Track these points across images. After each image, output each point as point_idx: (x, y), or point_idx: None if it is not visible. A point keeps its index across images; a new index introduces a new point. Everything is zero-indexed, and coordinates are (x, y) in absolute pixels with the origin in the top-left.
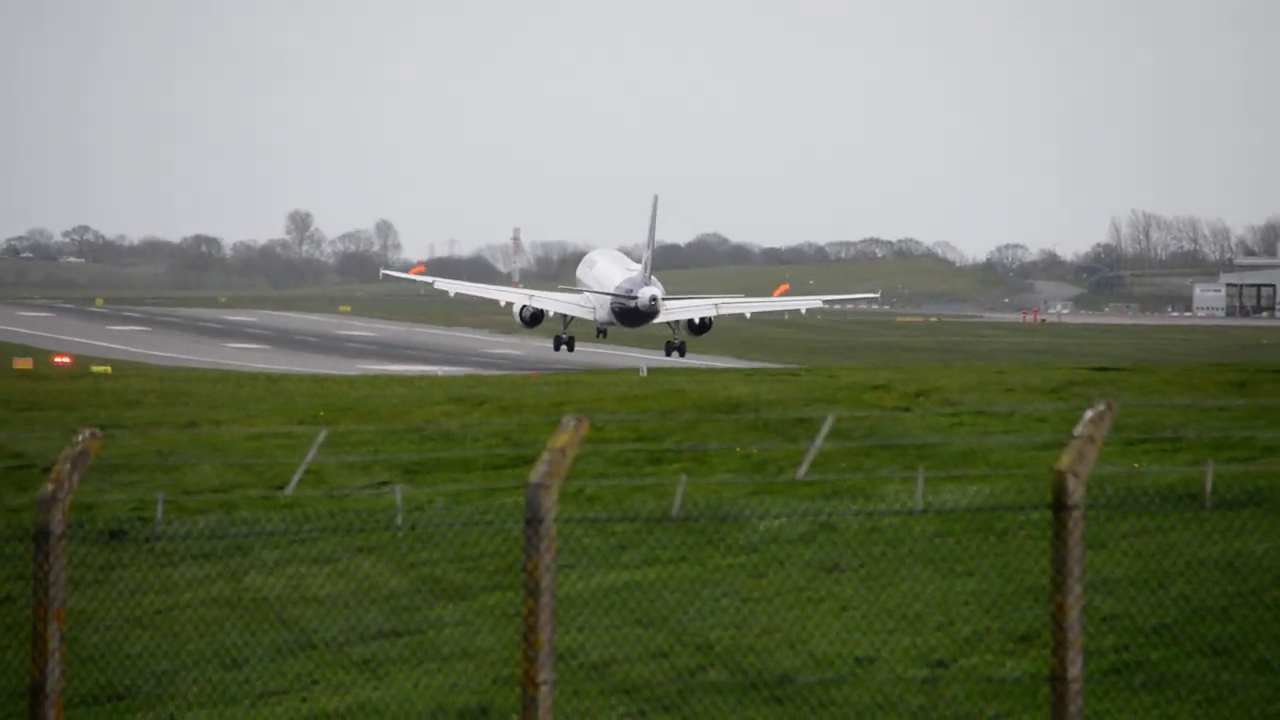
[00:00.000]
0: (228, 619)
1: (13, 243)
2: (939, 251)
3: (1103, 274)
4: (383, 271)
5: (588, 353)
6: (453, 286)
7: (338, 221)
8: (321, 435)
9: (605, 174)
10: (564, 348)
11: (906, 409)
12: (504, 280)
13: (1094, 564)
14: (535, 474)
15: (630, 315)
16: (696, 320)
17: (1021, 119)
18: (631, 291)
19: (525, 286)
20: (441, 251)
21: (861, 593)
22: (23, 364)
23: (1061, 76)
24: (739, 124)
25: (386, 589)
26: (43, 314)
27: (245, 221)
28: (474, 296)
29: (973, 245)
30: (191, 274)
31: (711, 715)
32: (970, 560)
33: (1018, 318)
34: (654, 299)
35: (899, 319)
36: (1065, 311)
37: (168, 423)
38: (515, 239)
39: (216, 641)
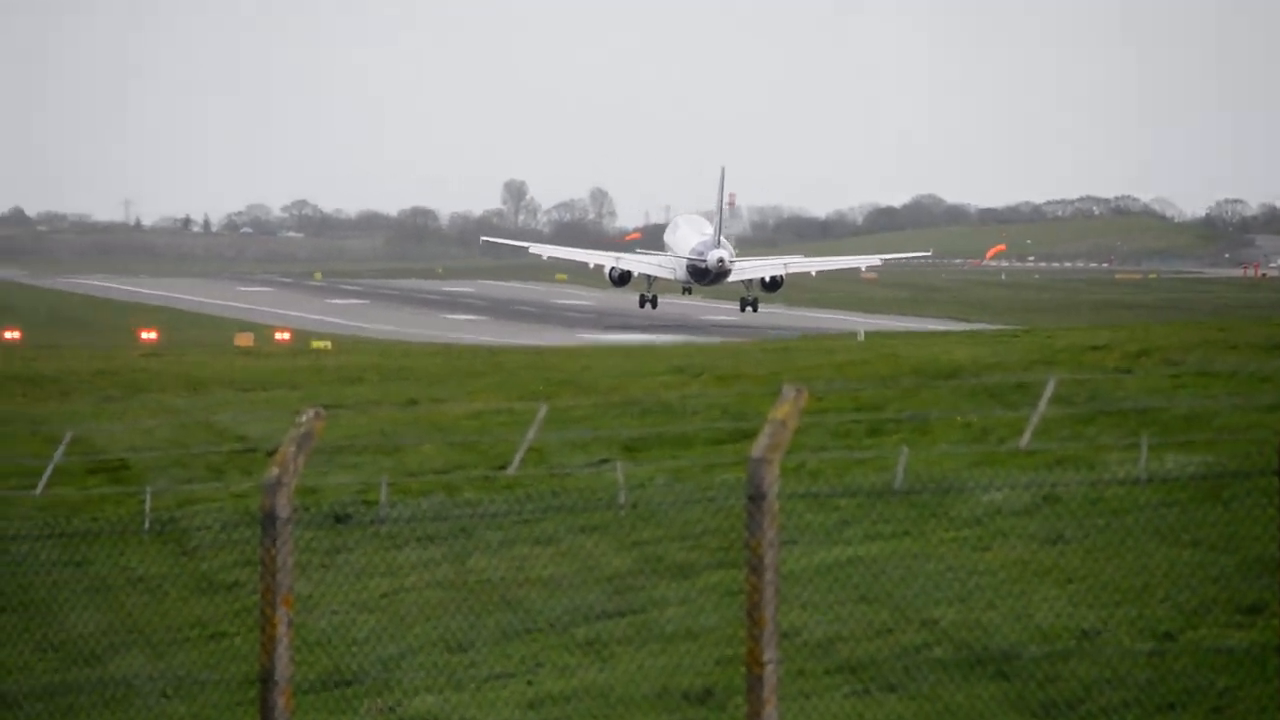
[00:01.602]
0: (452, 602)
1: (233, 218)
2: (1157, 208)
3: None
4: (483, 238)
5: (670, 303)
6: (545, 250)
7: (553, 190)
8: (542, 412)
9: (818, 135)
10: (648, 305)
11: (1128, 370)
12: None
13: None
14: (756, 448)
15: (703, 275)
16: (767, 279)
17: (1238, 69)
18: (703, 254)
19: (740, 252)
20: (657, 218)
21: (1086, 565)
22: (244, 340)
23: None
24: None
25: (609, 569)
26: (262, 289)
27: (461, 193)
28: (566, 260)
29: (1191, 201)
30: (409, 246)
31: (936, 692)
32: (1195, 530)
33: (1239, 273)
34: (721, 260)
35: (1118, 276)
36: None
37: (389, 400)
38: (730, 203)
39: (442, 625)
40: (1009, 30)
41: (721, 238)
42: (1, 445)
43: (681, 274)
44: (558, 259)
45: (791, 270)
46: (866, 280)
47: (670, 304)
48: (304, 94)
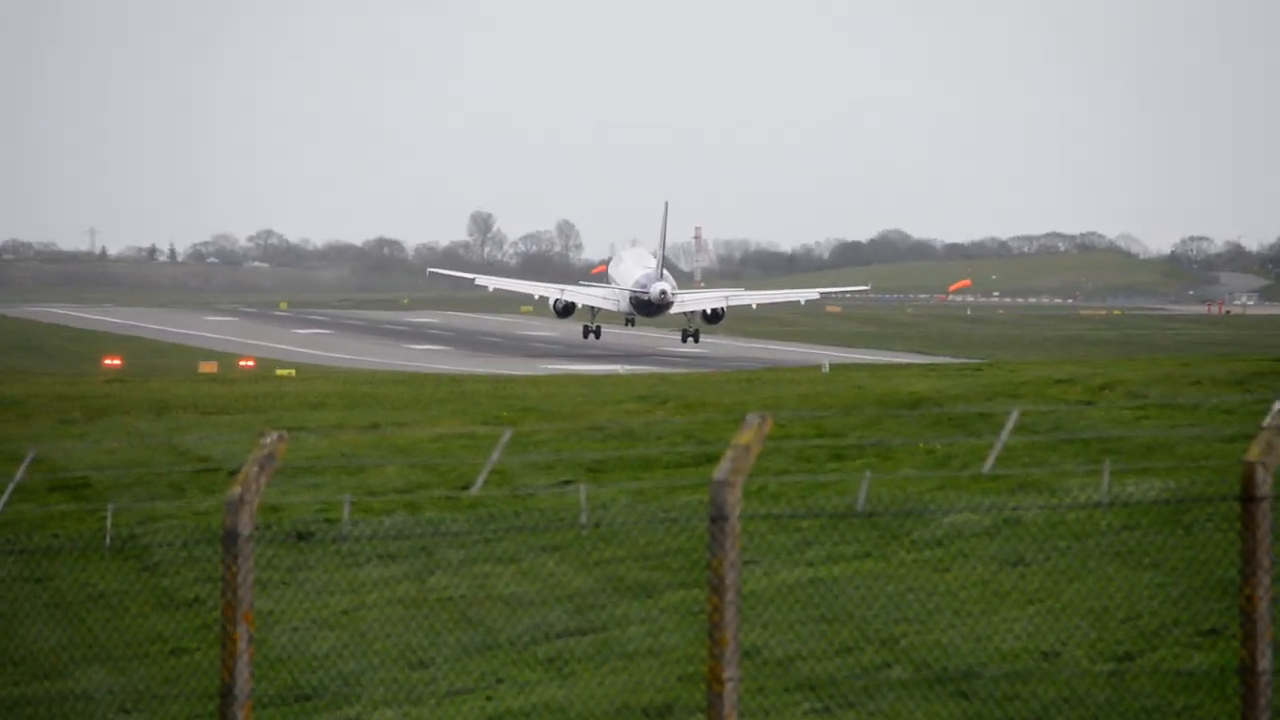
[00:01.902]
0: (413, 619)
1: (199, 248)
2: (1122, 245)
3: None
4: (429, 270)
5: (613, 333)
6: (492, 282)
7: (520, 222)
8: (506, 435)
9: (782, 171)
10: (591, 335)
11: (1091, 403)
12: (686, 278)
13: None
14: (719, 471)
15: (646, 307)
16: (709, 310)
17: (1205, 108)
18: (646, 286)
19: (705, 284)
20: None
21: (1047, 586)
22: (208, 368)
23: (1241, 66)
24: (921, 119)
25: (571, 588)
26: (228, 318)
27: (428, 223)
28: (512, 291)
29: (1156, 238)
30: (375, 276)
31: (896, 711)
32: (1156, 553)
33: (1203, 310)
34: (663, 293)
35: (1083, 312)
36: (1250, 303)
37: (351, 425)
38: (697, 237)
39: (402, 641)
40: (977, 66)
41: (664, 271)
42: None
43: (625, 305)
44: (503, 290)
45: (732, 303)
46: (831, 314)
47: (612, 333)
48: (270, 124)
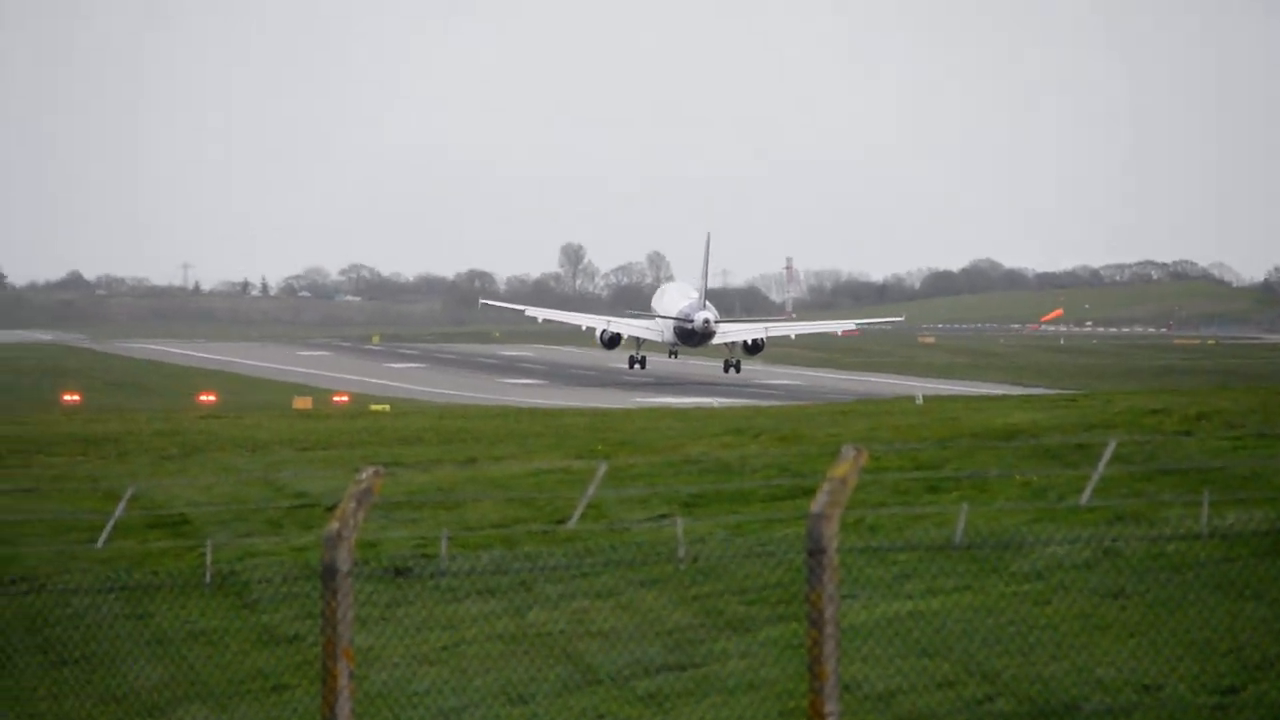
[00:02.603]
0: (513, 654)
1: (290, 281)
2: (1215, 273)
3: None
4: (481, 301)
5: (658, 362)
6: (540, 313)
7: (611, 254)
8: (602, 469)
9: (870, 202)
10: (637, 365)
11: (1188, 433)
12: (777, 309)
13: None
14: (816, 504)
15: (689, 336)
16: (749, 341)
17: None
18: (689, 316)
19: (797, 315)
20: (714, 282)
21: (1148, 618)
22: (303, 403)
23: None
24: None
25: (669, 622)
26: (321, 352)
27: (519, 256)
28: (560, 323)
29: (1249, 265)
30: (466, 310)
31: None
32: (1258, 584)
33: None
34: (707, 322)
35: (1177, 341)
36: None
37: (448, 460)
38: (789, 267)
39: (502, 677)
40: (1066, 95)
41: (706, 301)
42: (62, 501)
43: (669, 336)
44: (552, 321)
45: (772, 334)
46: (924, 344)
47: (656, 362)
48: (361, 158)
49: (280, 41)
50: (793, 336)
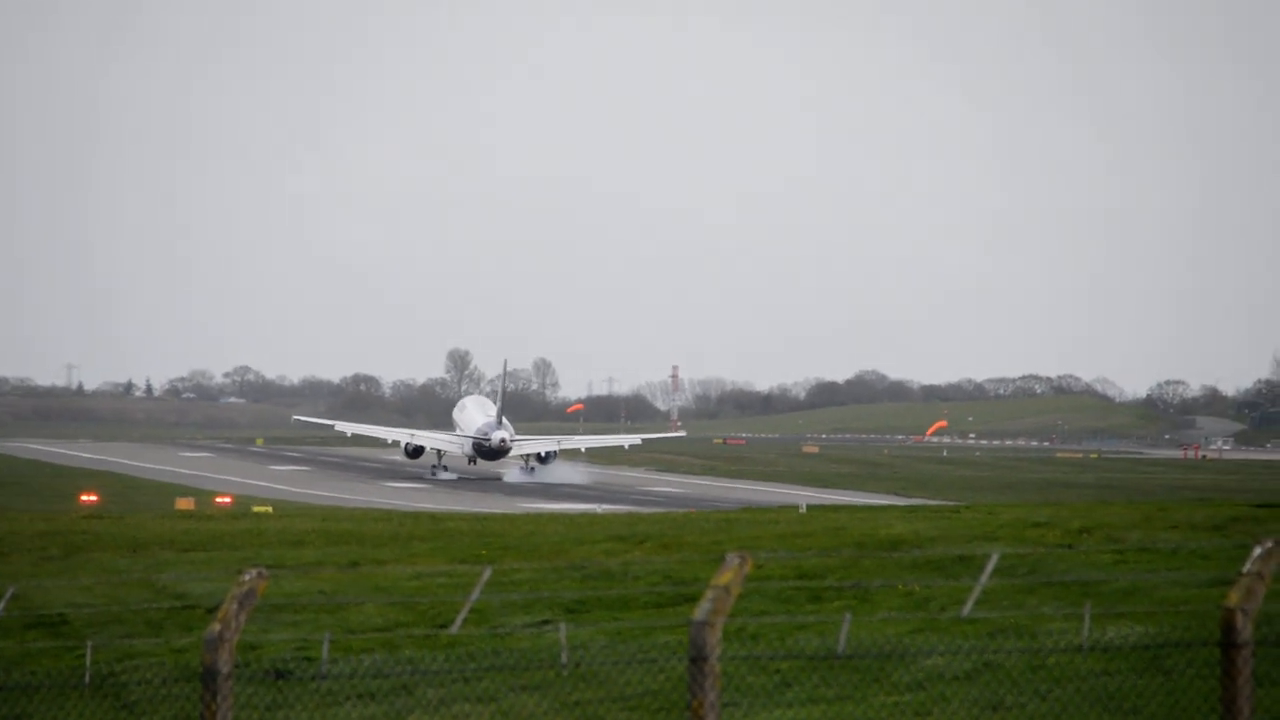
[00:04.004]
0: None
1: (175, 383)
2: (1098, 387)
3: (1265, 410)
4: (294, 417)
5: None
6: (350, 428)
7: (496, 360)
8: (486, 574)
9: (761, 314)
10: (439, 471)
11: (1069, 545)
12: (662, 417)
13: (1263, 702)
14: (699, 611)
15: (486, 452)
16: (542, 453)
17: (1181, 252)
18: (487, 434)
19: (681, 423)
20: (600, 390)
21: None
22: (185, 504)
23: (1222, 207)
24: (898, 261)
25: None
26: (204, 454)
27: (404, 360)
28: (369, 436)
29: (1132, 381)
30: (351, 413)
31: None
32: (1137, 699)
33: (1179, 454)
34: (503, 440)
35: (1060, 454)
36: (1227, 448)
37: (331, 562)
38: (674, 376)
39: None
40: (953, 208)
41: (503, 419)
42: None
43: (468, 448)
44: (360, 434)
45: (564, 446)
46: (808, 454)
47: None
48: (249, 261)
49: (172, 145)
50: (583, 450)
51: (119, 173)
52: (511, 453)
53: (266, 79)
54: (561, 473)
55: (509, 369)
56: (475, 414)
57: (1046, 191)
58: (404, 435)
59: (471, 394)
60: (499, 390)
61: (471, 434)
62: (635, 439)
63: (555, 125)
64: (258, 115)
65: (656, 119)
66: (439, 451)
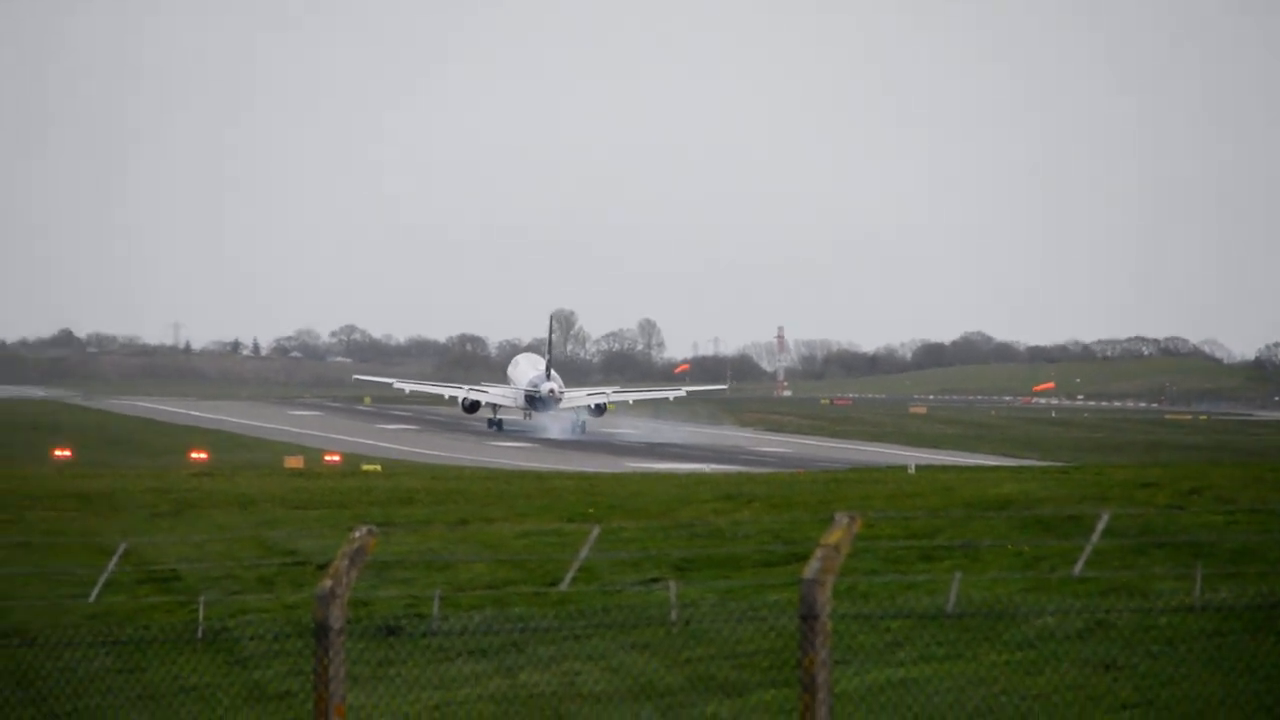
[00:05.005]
0: (503, 715)
1: (282, 343)
2: (1206, 349)
3: None
4: (354, 376)
5: (514, 422)
6: (408, 385)
7: (602, 320)
8: (595, 532)
9: (862, 272)
10: (495, 427)
11: (1180, 507)
12: (768, 378)
13: None
14: (809, 570)
15: (537, 402)
16: (593, 405)
17: None
18: (537, 385)
19: (788, 383)
20: (706, 350)
21: (1140, 690)
22: (294, 462)
23: None
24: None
25: (660, 685)
26: (312, 412)
27: (510, 320)
28: (427, 392)
29: (1241, 342)
30: (457, 372)
31: None
32: (1250, 659)
33: None
34: (552, 391)
35: (1169, 416)
36: None
37: (439, 520)
38: (779, 337)
39: None
40: (1060, 169)
41: (551, 371)
42: (54, 556)
43: (521, 401)
44: (419, 391)
45: (612, 399)
46: (915, 414)
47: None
48: (356, 220)
49: (275, 104)
50: (630, 402)
51: (224, 132)
52: (563, 404)
53: (379, 32)
54: (620, 427)
55: (616, 329)
56: (526, 368)
57: (1152, 157)
58: (461, 391)
59: (524, 352)
60: (548, 346)
61: (524, 386)
62: (680, 391)
63: (658, 86)
64: (368, 74)
65: (759, 84)
66: (494, 405)
